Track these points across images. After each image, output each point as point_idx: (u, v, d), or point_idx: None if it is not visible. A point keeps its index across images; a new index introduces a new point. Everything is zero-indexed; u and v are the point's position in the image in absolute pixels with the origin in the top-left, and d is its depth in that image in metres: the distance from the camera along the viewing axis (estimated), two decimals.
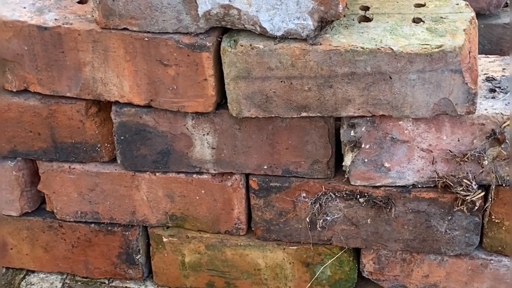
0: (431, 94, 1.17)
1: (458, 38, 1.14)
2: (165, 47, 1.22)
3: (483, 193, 1.28)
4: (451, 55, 1.13)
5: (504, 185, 1.27)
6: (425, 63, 1.14)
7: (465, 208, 1.28)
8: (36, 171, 1.46)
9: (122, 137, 1.35)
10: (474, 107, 1.19)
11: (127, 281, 1.55)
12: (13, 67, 1.30)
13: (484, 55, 1.37)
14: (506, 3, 1.64)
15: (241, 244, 1.45)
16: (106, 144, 1.38)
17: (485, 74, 1.30)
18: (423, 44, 1.14)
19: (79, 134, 1.36)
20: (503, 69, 1.32)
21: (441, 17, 1.19)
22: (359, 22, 1.21)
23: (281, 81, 1.21)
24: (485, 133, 1.22)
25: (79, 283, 1.56)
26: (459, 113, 1.19)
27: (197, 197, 1.41)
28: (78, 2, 1.30)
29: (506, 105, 1.22)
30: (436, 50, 1.13)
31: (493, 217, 1.32)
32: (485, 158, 1.24)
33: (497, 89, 1.26)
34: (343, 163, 1.29)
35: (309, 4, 1.13)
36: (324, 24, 1.16)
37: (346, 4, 1.17)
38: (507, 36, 1.56)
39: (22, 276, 1.58)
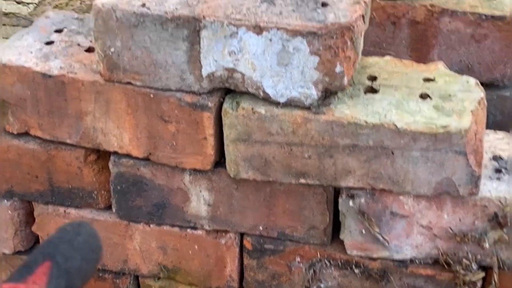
0: (434, 173, 1.14)
1: (465, 119, 1.11)
2: (167, 103, 1.20)
3: (483, 274, 1.24)
4: (456, 136, 1.10)
5: (505, 268, 1.23)
6: (429, 142, 1.12)
7: None
8: (31, 211, 1.45)
9: (118, 187, 1.33)
10: (477, 189, 1.15)
11: None
12: (15, 110, 1.29)
13: (493, 131, 1.34)
14: None
15: None
16: (102, 192, 1.37)
17: (492, 152, 1.27)
18: (428, 123, 1.11)
19: (77, 180, 1.35)
20: None
21: (449, 95, 1.16)
22: (365, 93, 1.18)
23: (281, 147, 1.18)
24: (487, 215, 1.19)
25: None
26: (461, 194, 1.16)
27: (190, 252, 1.38)
28: (86, 50, 1.29)
29: (510, 187, 1.19)
30: (441, 130, 1.10)
31: None
32: (486, 240, 1.20)
33: (503, 169, 1.23)
34: (340, 232, 1.27)
35: (314, 75, 1.11)
36: (328, 94, 1.14)
37: (352, 77, 1.15)
38: None
39: None
